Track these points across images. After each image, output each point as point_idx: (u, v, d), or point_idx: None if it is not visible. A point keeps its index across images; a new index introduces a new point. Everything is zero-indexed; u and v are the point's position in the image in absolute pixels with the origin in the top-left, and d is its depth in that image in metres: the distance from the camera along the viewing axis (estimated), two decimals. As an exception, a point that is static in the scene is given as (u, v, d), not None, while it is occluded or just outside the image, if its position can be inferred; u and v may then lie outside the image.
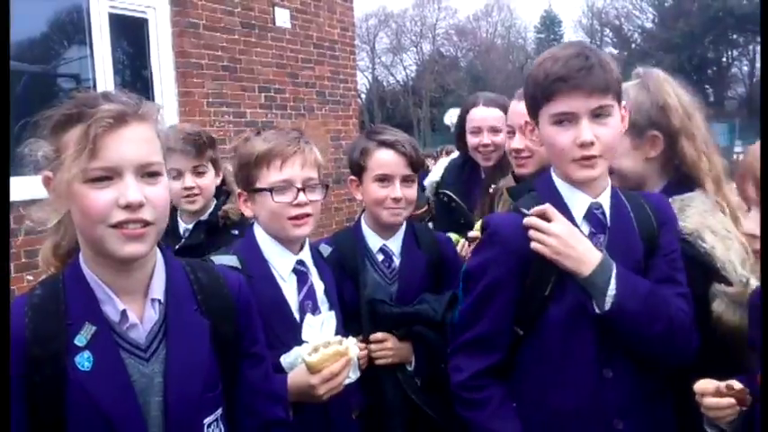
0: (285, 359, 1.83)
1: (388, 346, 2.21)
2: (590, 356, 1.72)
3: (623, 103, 1.79)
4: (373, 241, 2.31)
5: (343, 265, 2.23)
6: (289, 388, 1.77)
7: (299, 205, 1.90)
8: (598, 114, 1.69)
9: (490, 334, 1.84)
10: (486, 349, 1.85)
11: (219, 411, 1.43)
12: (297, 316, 1.91)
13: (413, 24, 58.52)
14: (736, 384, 1.52)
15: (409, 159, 2.25)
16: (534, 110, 1.78)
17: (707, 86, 48.63)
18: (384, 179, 2.25)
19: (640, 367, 1.74)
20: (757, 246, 1.49)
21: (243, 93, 6.61)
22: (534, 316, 1.77)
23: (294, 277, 1.96)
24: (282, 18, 7.11)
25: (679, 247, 1.83)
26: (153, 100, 5.94)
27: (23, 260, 4.44)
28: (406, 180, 2.26)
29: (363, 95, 55.04)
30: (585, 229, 1.76)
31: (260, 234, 1.98)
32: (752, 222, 1.50)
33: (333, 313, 1.91)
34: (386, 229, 2.31)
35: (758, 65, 47.03)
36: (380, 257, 2.31)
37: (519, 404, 1.83)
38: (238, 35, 6.59)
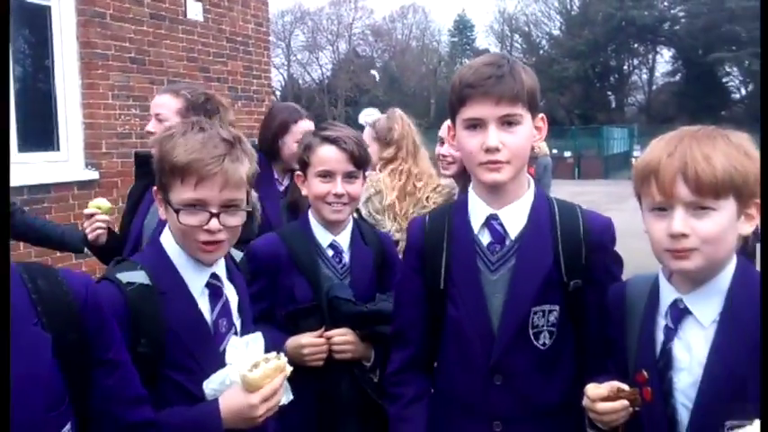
0: (208, 386, 1.65)
1: (350, 340, 2.21)
2: (481, 362, 1.80)
3: (541, 115, 1.84)
4: (322, 237, 2.29)
5: (296, 262, 2.22)
6: (222, 414, 1.61)
7: (209, 231, 1.67)
8: (507, 122, 1.74)
9: (403, 328, 1.99)
10: (402, 343, 1.99)
11: (67, 427, 1.33)
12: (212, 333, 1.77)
13: (329, 23, 58.42)
14: (624, 386, 1.54)
15: (352, 156, 2.24)
16: (453, 115, 1.84)
17: (609, 93, 51.05)
18: (326, 175, 2.23)
19: (531, 381, 1.80)
20: (677, 245, 1.48)
21: (151, 86, 6.45)
22: (439, 312, 1.89)
23: (207, 292, 1.77)
24: (194, 11, 6.98)
25: (612, 273, 1.85)
26: (54, 91, 5.73)
27: None
28: (348, 176, 2.25)
29: (278, 92, 54.47)
30: (485, 239, 1.84)
31: (168, 242, 1.76)
32: (679, 222, 1.47)
33: (259, 334, 1.73)
34: (334, 225, 2.29)
35: (657, 73, 49.78)
36: (330, 253, 2.29)
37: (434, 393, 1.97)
38: (147, 26, 6.43)
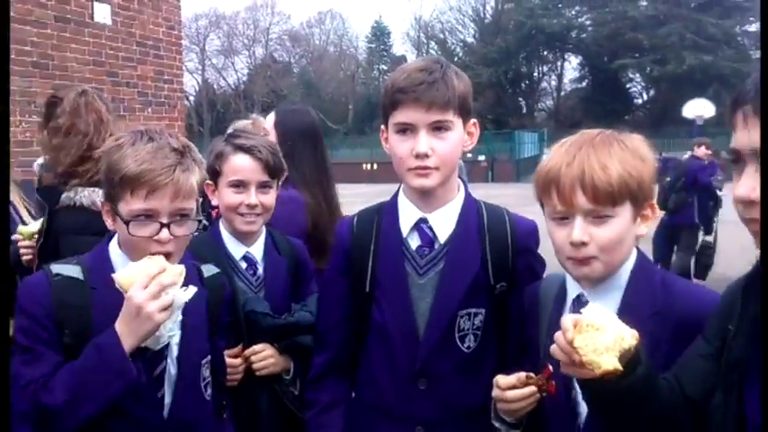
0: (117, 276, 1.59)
1: (270, 354, 2.14)
2: (406, 366, 1.80)
3: (473, 120, 1.84)
4: (235, 249, 2.21)
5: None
6: (117, 327, 1.54)
7: (159, 242, 1.64)
8: (438, 128, 1.73)
9: (324, 330, 1.97)
10: (323, 346, 1.97)
11: None
12: None
13: (245, 27, 57.69)
14: (532, 374, 1.57)
15: (266, 165, 2.16)
16: (385, 118, 1.81)
17: (520, 99, 52.71)
18: (239, 185, 2.15)
19: (455, 385, 1.80)
20: (577, 253, 1.50)
21: (55, 91, 6.21)
22: (363, 315, 1.87)
23: None
24: (102, 14, 6.76)
25: (536, 275, 1.87)
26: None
27: None
28: (262, 186, 2.17)
29: (192, 98, 53.28)
30: (414, 242, 1.83)
31: (114, 248, 1.75)
32: (578, 231, 1.50)
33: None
34: (246, 236, 2.21)
35: (565, 79, 51.76)
36: (244, 265, 2.21)
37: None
38: (51, 29, 6.18)
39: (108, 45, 6.87)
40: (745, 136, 1.14)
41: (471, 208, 1.87)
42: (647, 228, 1.58)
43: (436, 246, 1.82)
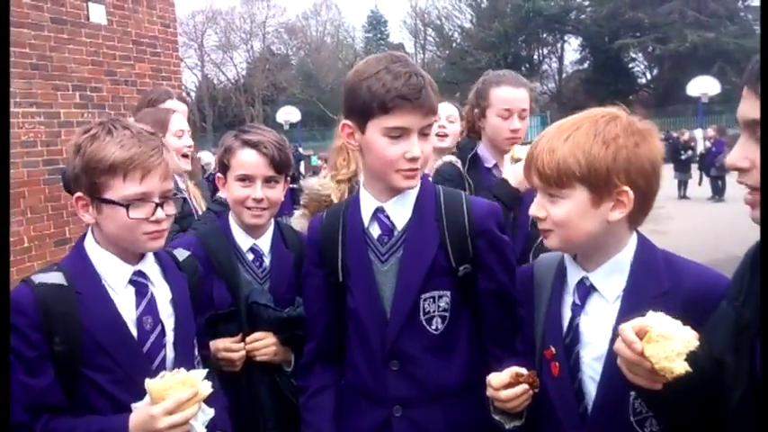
0: (136, 407, 1.61)
1: (271, 342, 2.19)
2: (378, 349, 1.86)
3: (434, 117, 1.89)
4: (243, 240, 2.27)
5: (214, 265, 2.17)
6: (130, 425, 1.58)
7: (156, 221, 1.73)
8: (425, 132, 1.80)
9: (308, 320, 2.07)
10: (309, 335, 2.06)
11: None
12: (134, 332, 1.73)
13: (242, 22, 57.48)
14: (522, 370, 1.62)
15: (272, 160, 2.21)
16: (364, 117, 1.78)
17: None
18: (245, 179, 2.21)
19: (426, 365, 1.85)
20: (540, 225, 1.64)
21: (55, 92, 6.22)
22: (342, 303, 1.94)
23: (132, 289, 1.77)
24: (97, 14, 6.76)
25: (504, 258, 1.91)
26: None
27: None
28: (269, 181, 2.22)
29: (193, 93, 53.27)
30: (375, 231, 1.89)
31: (91, 245, 1.77)
32: (535, 206, 1.63)
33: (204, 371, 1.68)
34: (254, 228, 2.27)
35: (566, 61, 51.47)
36: (250, 257, 2.26)
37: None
38: (48, 31, 6.19)
39: (105, 44, 6.88)
40: (740, 107, 1.20)
41: (429, 194, 1.92)
42: (622, 213, 1.55)
43: (395, 233, 1.87)
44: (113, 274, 1.76)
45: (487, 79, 2.89)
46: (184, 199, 3.08)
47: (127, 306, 1.75)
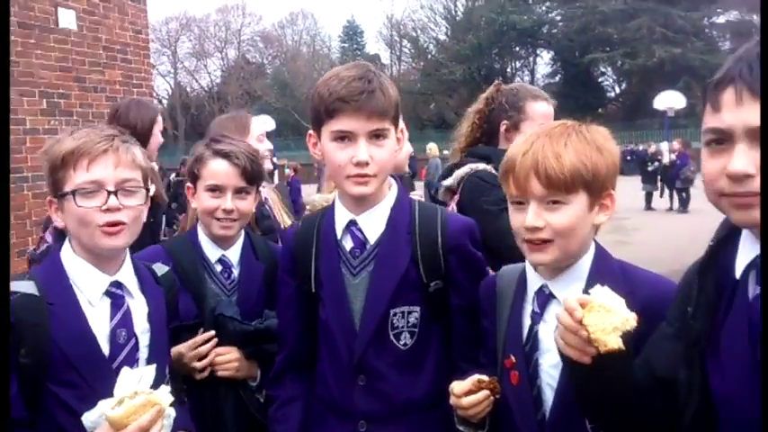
0: (88, 417, 1.52)
1: (234, 357, 2.14)
2: (346, 362, 1.85)
3: (401, 126, 1.88)
4: (211, 251, 2.22)
5: (181, 276, 2.10)
6: None
7: (109, 210, 1.65)
8: (376, 136, 1.76)
9: (281, 329, 2.04)
10: (281, 344, 2.03)
11: None
12: (106, 347, 1.68)
13: (217, 29, 57.32)
14: (484, 377, 1.63)
15: (244, 171, 2.17)
16: (317, 124, 1.82)
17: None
18: (216, 189, 2.17)
19: (394, 381, 1.84)
20: (532, 236, 1.56)
21: (20, 98, 6.13)
22: (314, 313, 1.92)
23: (107, 301, 1.71)
24: (67, 19, 6.69)
25: (478, 275, 1.90)
26: None
27: None
28: (239, 192, 2.18)
29: (165, 101, 52.85)
30: (348, 243, 1.88)
31: (67, 254, 1.72)
32: (532, 216, 1.56)
33: (153, 367, 1.60)
34: (223, 239, 2.22)
35: (538, 74, 52.15)
36: (219, 268, 2.22)
37: None
38: (15, 36, 6.09)
39: (74, 50, 6.81)
40: (739, 114, 1.14)
41: (403, 208, 1.90)
42: (606, 216, 1.62)
43: (368, 247, 1.86)
44: (89, 284, 1.70)
45: (521, 92, 2.81)
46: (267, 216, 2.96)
47: (100, 318, 1.69)
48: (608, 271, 1.62)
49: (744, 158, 1.13)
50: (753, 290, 1.22)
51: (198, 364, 2.10)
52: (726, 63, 1.21)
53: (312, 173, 23.02)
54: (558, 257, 1.58)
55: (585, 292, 1.56)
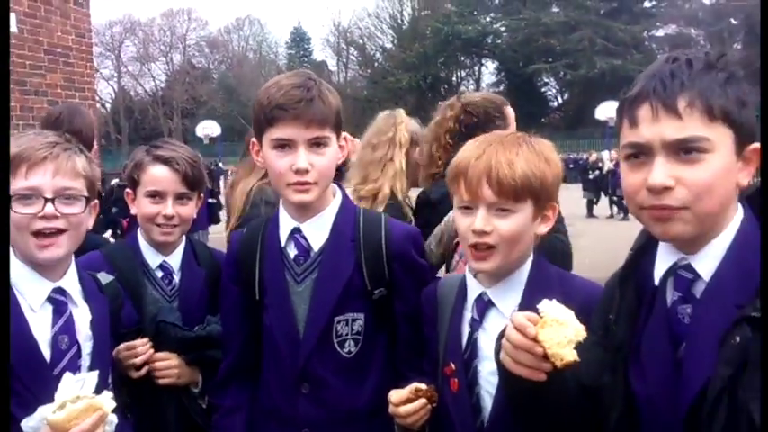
0: (27, 423, 1.49)
1: (174, 364, 2.09)
2: (290, 370, 1.85)
3: (344, 134, 1.88)
4: (152, 257, 2.19)
5: (120, 282, 2.03)
6: None
7: (45, 218, 1.62)
8: (316, 144, 1.76)
9: (225, 335, 2.04)
10: (225, 352, 2.03)
11: None
12: (48, 353, 1.65)
13: (161, 34, 56.35)
14: (421, 385, 1.63)
15: (185, 177, 2.14)
16: (259, 132, 1.82)
17: (440, 103, 53.37)
18: (156, 195, 2.14)
19: (337, 388, 1.84)
20: (478, 240, 1.57)
21: (-41, 101, 6.01)
22: (258, 321, 1.93)
23: (49, 307, 1.68)
24: (7, 21, 6.59)
25: (422, 282, 1.90)
26: None
27: None
28: (180, 197, 2.16)
29: (108, 105, 51.68)
30: (292, 251, 1.88)
31: (12, 260, 1.68)
32: (480, 221, 1.56)
33: (96, 373, 1.59)
34: (164, 245, 2.19)
35: (483, 84, 52.98)
36: (159, 274, 2.18)
37: None
38: (-48, 37, 5.98)
39: (15, 53, 6.68)
40: (656, 129, 1.20)
41: (348, 215, 1.91)
42: (547, 227, 1.66)
43: (312, 254, 1.87)
44: (31, 290, 1.67)
45: (495, 99, 2.79)
46: None
47: (42, 325, 1.66)
48: (545, 279, 1.66)
49: (663, 171, 1.19)
50: (671, 296, 1.28)
51: (135, 374, 2.03)
52: (638, 80, 1.28)
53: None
54: (499, 264, 1.59)
55: (523, 299, 1.62)
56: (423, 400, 1.62)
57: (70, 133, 3.75)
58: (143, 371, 2.04)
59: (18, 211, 1.61)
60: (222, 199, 2.79)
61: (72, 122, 3.58)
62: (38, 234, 1.63)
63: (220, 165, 20.20)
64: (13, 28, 6.64)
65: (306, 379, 1.84)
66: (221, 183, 15.60)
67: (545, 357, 1.26)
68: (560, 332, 1.25)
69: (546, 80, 50.19)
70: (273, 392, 1.90)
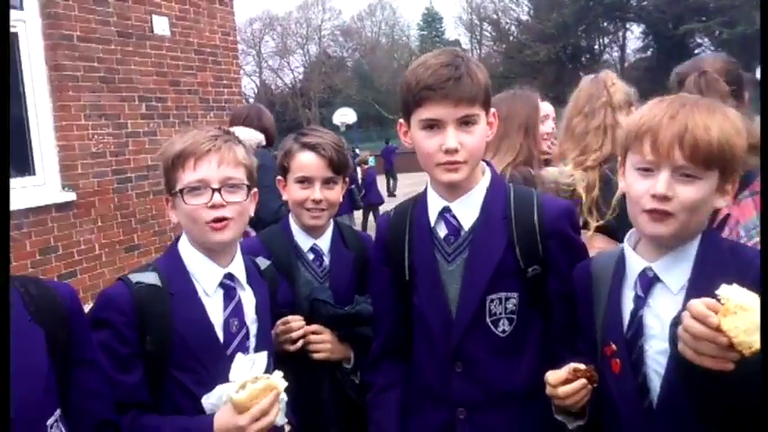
0: (207, 400, 1.67)
1: (327, 339, 2.19)
2: (442, 349, 1.85)
3: (492, 110, 1.85)
4: (303, 241, 2.30)
5: (276, 265, 2.17)
6: (215, 424, 1.63)
7: (214, 207, 1.76)
8: (465, 122, 1.75)
9: (376, 316, 2.10)
10: (376, 331, 2.08)
11: (58, 412, 1.41)
12: (221, 335, 1.79)
13: (298, 26, 58.36)
14: (580, 365, 1.58)
15: (330, 162, 2.24)
16: (406, 114, 1.84)
17: (581, 74, 51.06)
18: (304, 181, 2.25)
19: (492, 368, 1.82)
20: (657, 206, 1.50)
21: (122, 103, 6.45)
22: (408, 302, 1.95)
23: (221, 292, 1.83)
24: (161, 26, 6.97)
25: (577, 259, 1.85)
26: (27, 116, 5.71)
27: None
28: (327, 182, 2.26)
29: (252, 99, 54.32)
30: (442, 231, 1.88)
31: (184, 246, 1.85)
32: (663, 184, 1.49)
33: (265, 353, 1.72)
34: (314, 229, 2.30)
35: (629, 50, 50.14)
36: (311, 257, 2.30)
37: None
38: (115, 45, 6.41)
39: (168, 55, 7.08)
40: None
41: (498, 193, 1.89)
42: (725, 202, 1.57)
43: (462, 233, 1.85)
44: (205, 275, 1.82)
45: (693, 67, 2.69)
46: None
47: (215, 309, 1.81)
48: (717, 251, 1.56)
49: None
50: None
51: (292, 347, 2.14)
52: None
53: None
54: (675, 233, 1.51)
55: (694, 274, 1.53)
56: (582, 381, 1.57)
57: (259, 130, 4.04)
58: (299, 344, 2.15)
59: (190, 203, 1.76)
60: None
61: (261, 120, 3.97)
62: (210, 221, 1.76)
63: (357, 151, 20.51)
64: (166, 31, 7.02)
65: (459, 358, 1.84)
66: (358, 170, 15.89)
67: (730, 346, 1.20)
68: (746, 318, 1.18)
69: (699, 41, 46.35)
70: (426, 371, 1.91)
